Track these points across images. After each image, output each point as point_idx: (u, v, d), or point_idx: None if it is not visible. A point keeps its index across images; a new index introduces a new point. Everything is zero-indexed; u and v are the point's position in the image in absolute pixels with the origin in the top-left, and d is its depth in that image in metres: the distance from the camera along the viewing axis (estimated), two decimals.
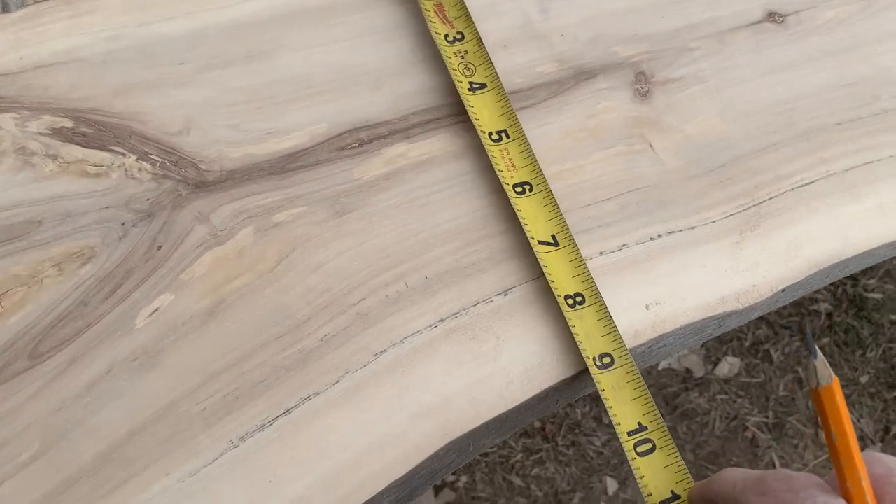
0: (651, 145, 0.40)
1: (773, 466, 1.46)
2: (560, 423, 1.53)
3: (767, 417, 1.53)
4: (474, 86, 0.39)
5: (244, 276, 0.35)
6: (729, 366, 1.53)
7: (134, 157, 0.37)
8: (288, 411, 0.33)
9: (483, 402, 0.34)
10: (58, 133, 0.37)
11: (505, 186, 0.37)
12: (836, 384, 0.26)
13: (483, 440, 0.35)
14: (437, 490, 1.45)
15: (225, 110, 0.38)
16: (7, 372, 0.32)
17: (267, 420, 0.32)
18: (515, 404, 0.34)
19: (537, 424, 1.52)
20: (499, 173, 0.37)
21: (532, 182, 0.37)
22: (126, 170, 0.37)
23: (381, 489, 0.32)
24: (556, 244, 0.35)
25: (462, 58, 0.40)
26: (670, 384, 1.53)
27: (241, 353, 0.33)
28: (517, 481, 1.47)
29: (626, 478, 1.49)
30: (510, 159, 0.37)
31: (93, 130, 0.37)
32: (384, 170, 0.38)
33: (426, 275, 0.36)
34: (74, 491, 0.31)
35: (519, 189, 0.36)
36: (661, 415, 1.47)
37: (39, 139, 0.37)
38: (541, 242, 0.35)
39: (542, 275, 0.36)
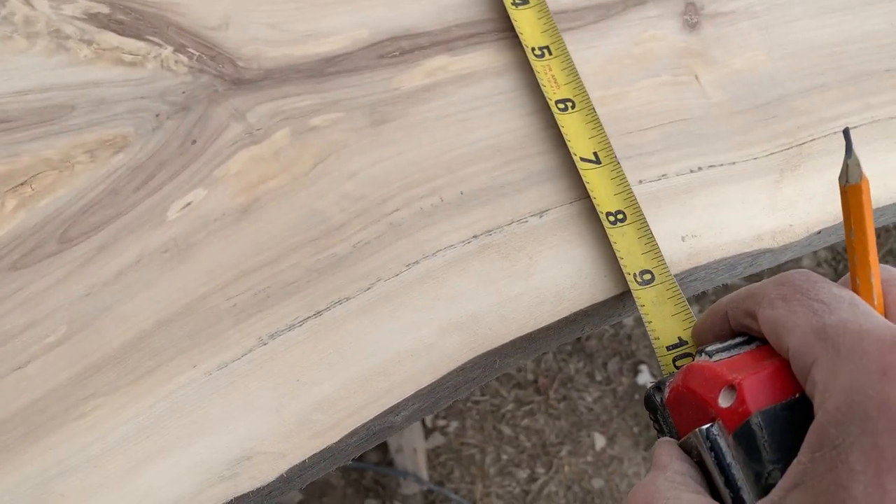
0: (697, 77, 0.39)
1: None
2: (553, 376, 1.54)
3: None
4: (517, 1, 0.38)
5: (279, 178, 0.34)
6: None
7: (170, 49, 0.36)
8: (318, 313, 0.32)
9: (512, 320, 0.34)
10: (93, 18, 0.36)
11: (549, 102, 0.36)
12: (864, 183, 0.26)
13: (509, 358, 0.35)
14: (428, 433, 1.46)
15: (264, 8, 0.37)
16: (37, 254, 0.32)
17: (297, 321, 0.32)
18: (544, 324, 0.34)
19: (530, 377, 1.54)
20: (542, 88, 0.36)
21: (574, 99, 0.36)
22: (162, 61, 0.36)
23: (406, 397, 0.32)
24: (598, 161, 0.35)
25: None
26: None
27: (273, 253, 0.33)
28: (507, 430, 1.49)
29: (614, 434, 1.51)
30: (552, 76, 0.36)
31: (129, 18, 0.36)
32: (424, 81, 0.37)
33: (462, 190, 0.36)
34: (100, 376, 0.30)
35: (561, 106, 0.36)
36: (654, 375, 1.48)
37: (74, 23, 0.36)
38: (583, 159, 0.34)
39: (579, 198, 0.36)
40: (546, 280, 0.34)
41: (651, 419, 0.31)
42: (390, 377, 0.32)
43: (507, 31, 0.39)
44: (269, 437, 0.30)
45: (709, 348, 0.27)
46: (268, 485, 0.30)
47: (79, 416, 0.30)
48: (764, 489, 0.23)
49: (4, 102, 0.34)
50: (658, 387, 0.29)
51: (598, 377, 1.54)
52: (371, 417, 0.31)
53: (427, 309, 0.33)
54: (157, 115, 0.35)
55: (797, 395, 0.24)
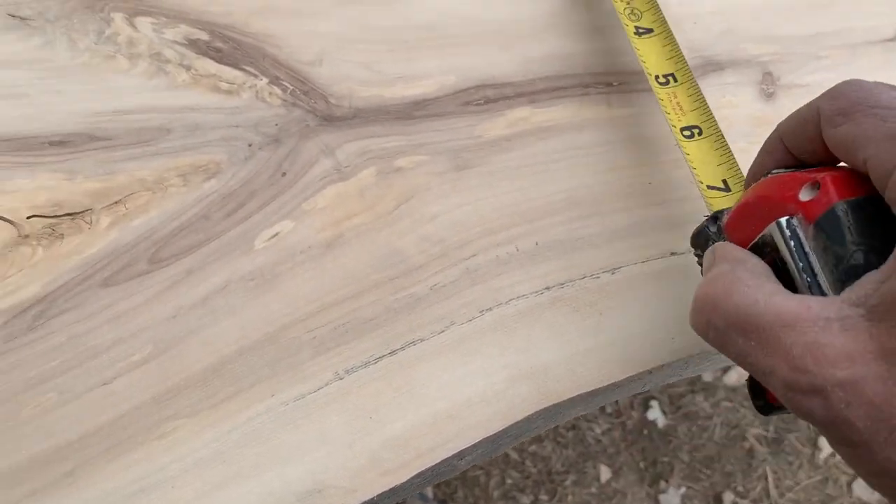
0: None
1: (766, 480, 1.48)
2: None
3: (767, 431, 1.55)
4: (640, 31, 0.38)
5: (363, 216, 0.35)
6: (738, 375, 1.54)
7: (266, 81, 0.37)
8: (393, 352, 0.33)
9: (581, 375, 0.34)
10: (193, 45, 0.37)
11: (672, 130, 0.36)
12: None
13: (572, 410, 0.36)
14: None
15: (358, 48, 0.38)
16: (127, 272, 0.33)
17: (373, 358, 0.33)
18: (612, 381, 0.35)
19: None
20: (666, 116, 0.36)
21: (701, 126, 0.36)
22: (257, 92, 0.37)
23: (473, 442, 0.33)
24: (727, 189, 0.35)
25: (628, 3, 0.39)
26: (677, 384, 1.54)
27: (354, 289, 0.34)
28: (513, 455, 1.49)
29: (620, 468, 1.50)
30: (677, 103, 0.37)
31: (227, 47, 0.37)
32: (506, 131, 0.38)
33: (537, 241, 0.36)
34: (182, 398, 0.31)
35: (687, 133, 0.36)
36: (664, 412, 1.46)
37: (175, 48, 0.37)
38: (710, 187, 0.35)
39: (651, 258, 0.37)
40: (615, 337, 0.35)
41: (697, 255, 0.31)
42: (460, 421, 0.33)
43: (588, 88, 0.40)
44: (341, 471, 0.31)
45: (778, 169, 0.28)
46: None
47: (160, 436, 0.31)
48: (846, 272, 0.23)
49: (105, 120, 0.35)
50: (714, 218, 0.30)
51: (609, 409, 1.54)
52: (439, 460, 0.32)
53: (498, 356, 0.34)
54: (250, 145, 0.36)
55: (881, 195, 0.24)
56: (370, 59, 0.38)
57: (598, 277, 0.36)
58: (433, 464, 0.32)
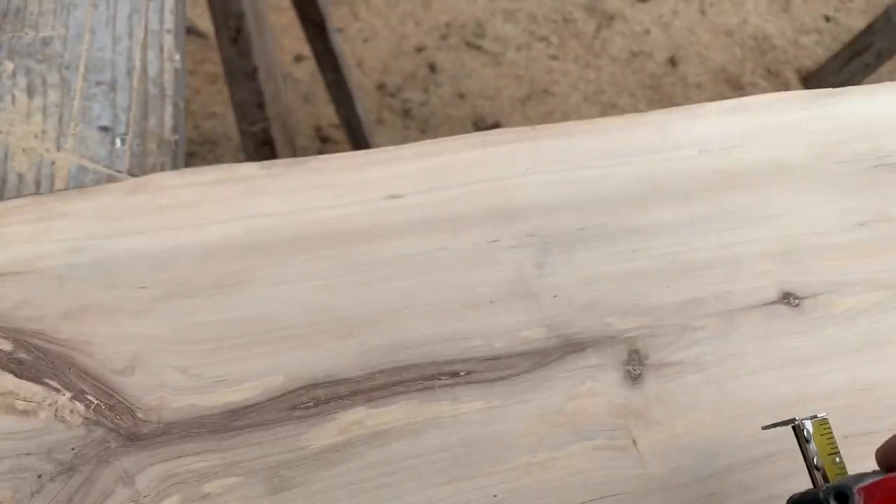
0: (635, 442, 0.37)
1: None
2: None
3: None
4: None
5: None
6: None
7: (68, 396, 0.34)
8: None
9: None
10: None
11: None
12: None
13: None
14: None
15: (178, 349, 0.36)
16: None
17: None
18: None
19: None
20: None
21: None
22: (57, 410, 0.34)
23: None
24: None
25: None
26: None
27: None
28: None
29: None
30: None
31: (31, 358, 0.35)
32: (336, 439, 0.35)
33: None
34: None
35: None
36: None
37: None
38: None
39: None
40: None
41: None
42: None
43: (435, 380, 0.36)
44: None
45: None
46: None
47: None
48: None
49: None
50: (841, 495, 0.28)
51: None
52: None
53: None
54: (40, 477, 0.32)
55: None
56: (190, 362, 0.35)
57: None
58: None
